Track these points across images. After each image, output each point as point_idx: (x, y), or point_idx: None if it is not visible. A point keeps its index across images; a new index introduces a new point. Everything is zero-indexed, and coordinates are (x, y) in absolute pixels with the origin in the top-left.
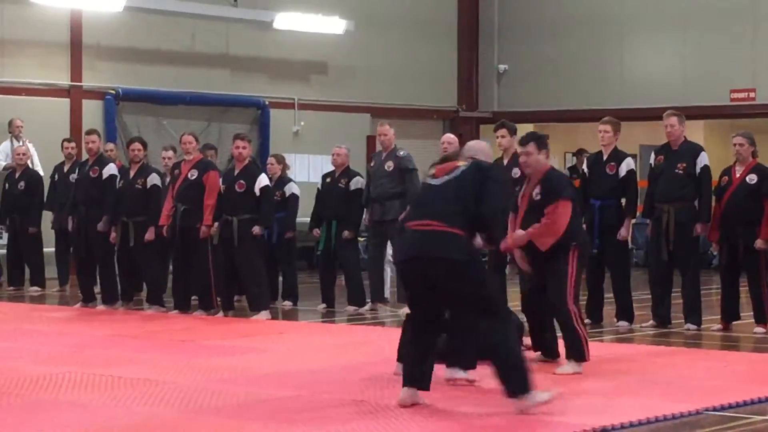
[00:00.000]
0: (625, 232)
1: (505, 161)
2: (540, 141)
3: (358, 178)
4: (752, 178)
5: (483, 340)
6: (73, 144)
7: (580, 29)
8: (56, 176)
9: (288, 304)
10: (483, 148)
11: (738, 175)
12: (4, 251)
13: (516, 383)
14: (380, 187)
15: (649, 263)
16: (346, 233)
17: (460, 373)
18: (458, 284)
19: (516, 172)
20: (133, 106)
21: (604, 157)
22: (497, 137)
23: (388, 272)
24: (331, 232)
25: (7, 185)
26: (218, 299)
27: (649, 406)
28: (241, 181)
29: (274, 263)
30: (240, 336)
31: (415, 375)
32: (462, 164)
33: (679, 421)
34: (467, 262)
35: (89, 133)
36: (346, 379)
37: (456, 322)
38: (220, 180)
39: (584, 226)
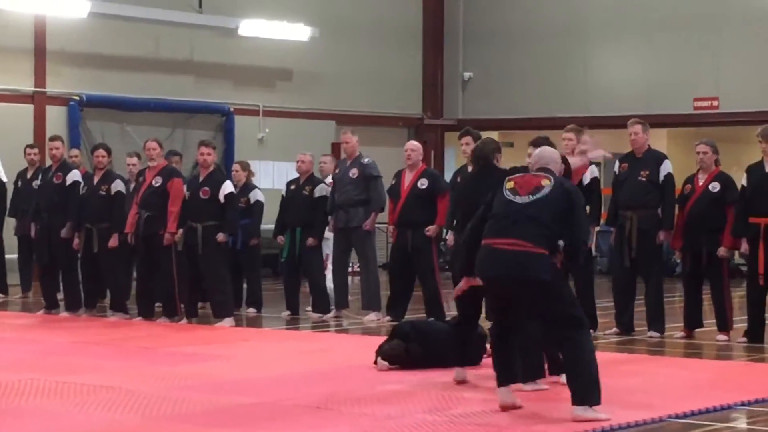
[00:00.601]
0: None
1: (470, 168)
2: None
3: (322, 185)
4: (715, 186)
5: (571, 351)
6: (36, 150)
7: (545, 38)
8: (19, 182)
9: (252, 311)
10: (555, 157)
11: (701, 183)
12: None
13: (594, 395)
14: (345, 194)
15: (613, 271)
16: (310, 240)
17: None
18: (546, 302)
19: None
20: (97, 113)
21: None
22: (462, 145)
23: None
24: (295, 239)
25: None
26: (182, 306)
27: (611, 413)
28: (206, 188)
29: (239, 270)
30: (204, 343)
31: (508, 375)
32: (546, 183)
33: (642, 428)
34: (554, 282)
35: (53, 139)
36: (310, 386)
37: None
38: (185, 187)
39: None
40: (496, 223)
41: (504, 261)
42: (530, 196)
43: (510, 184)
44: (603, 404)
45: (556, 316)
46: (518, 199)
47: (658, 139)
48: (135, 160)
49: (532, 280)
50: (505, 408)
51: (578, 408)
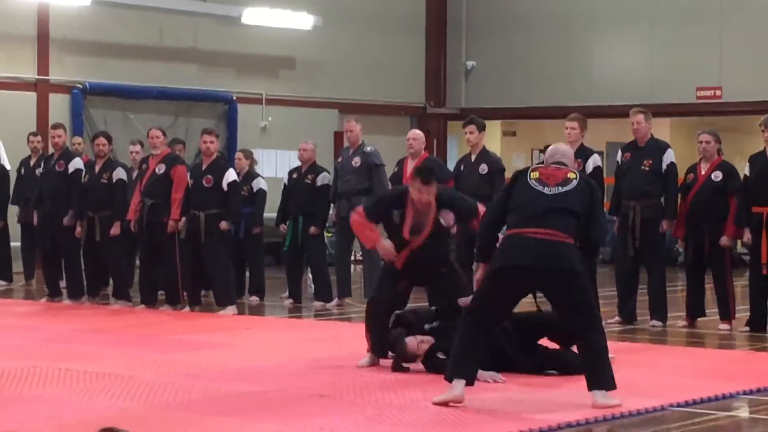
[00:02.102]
0: None
1: (473, 157)
2: None
3: (324, 173)
4: (717, 175)
5: (597, 342)
6: (39, 138)
7: (548, 26)
8: (22, 170)
9: (255, 299)
10: (569, 153)
11: (703, 173)
12: None
13: (612, 380)
14: (347, 183)
15: (616, 260)
16: (312, 229)
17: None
18: (573, 293)
19: (483, 168)
20: (100, 100)
21: None
22: (466, 133)
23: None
24: (297, 228)
25: None
26: (185, 294)
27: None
28: (209, 176)
29: (241, 258)
30: (207, 331)
31: (467, 369)
32: (572, 176)
33: (644, 417)
34: (584, 273)
35: (55, 127)
36: (313, 375)
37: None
38: (188, 174)
39: None
40: (525, 213)
41: (537, 250)
42: (560, 187)
43: (535, 174)
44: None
45: (579, 307)
46: (547, 190)
47: (661, 129)
48: (138, 147)
49: (566, 270)
50: (453, 402)
51: (597, 393)
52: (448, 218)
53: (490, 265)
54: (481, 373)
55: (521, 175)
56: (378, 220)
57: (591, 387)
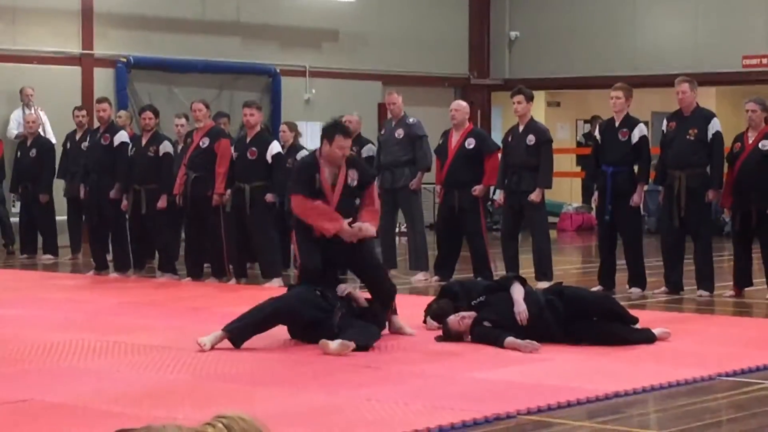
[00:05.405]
0: (637, 199)
1: (521, 128)
2: None
3: (369, 145)
4: (765, 144)
5: None
6: (84, 112)
7: None
8: (68, 144)
9: None
10: None
11: (750, 141)
12: (17, 219)
13: None
14: (391, 154)
15: (661, 230)
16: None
17: None
18: None
19: (531, 139)
20: (145, 74)
21: (617, 124)
22: (514, 103)
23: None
24: None
25: (18, 154)
26: (230, 267)
27: (662, 372)
28: (253, 149)
29: (287, 231)
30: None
31: None
32: None
33: (692, 386)
34: None
35: (100, 101)
36: None
37: None
38: (232, 148)
39: (596, 192)
40: None
41: None
42: None
43: None
44: (654, 362)
45: None
46: None
47: (707, 98)
48: (183, 121)
49: None
50: None
51: None
52: (353, 176)
53: None
54: (517, 342)
55: None
56: (311, 191)
57: None
